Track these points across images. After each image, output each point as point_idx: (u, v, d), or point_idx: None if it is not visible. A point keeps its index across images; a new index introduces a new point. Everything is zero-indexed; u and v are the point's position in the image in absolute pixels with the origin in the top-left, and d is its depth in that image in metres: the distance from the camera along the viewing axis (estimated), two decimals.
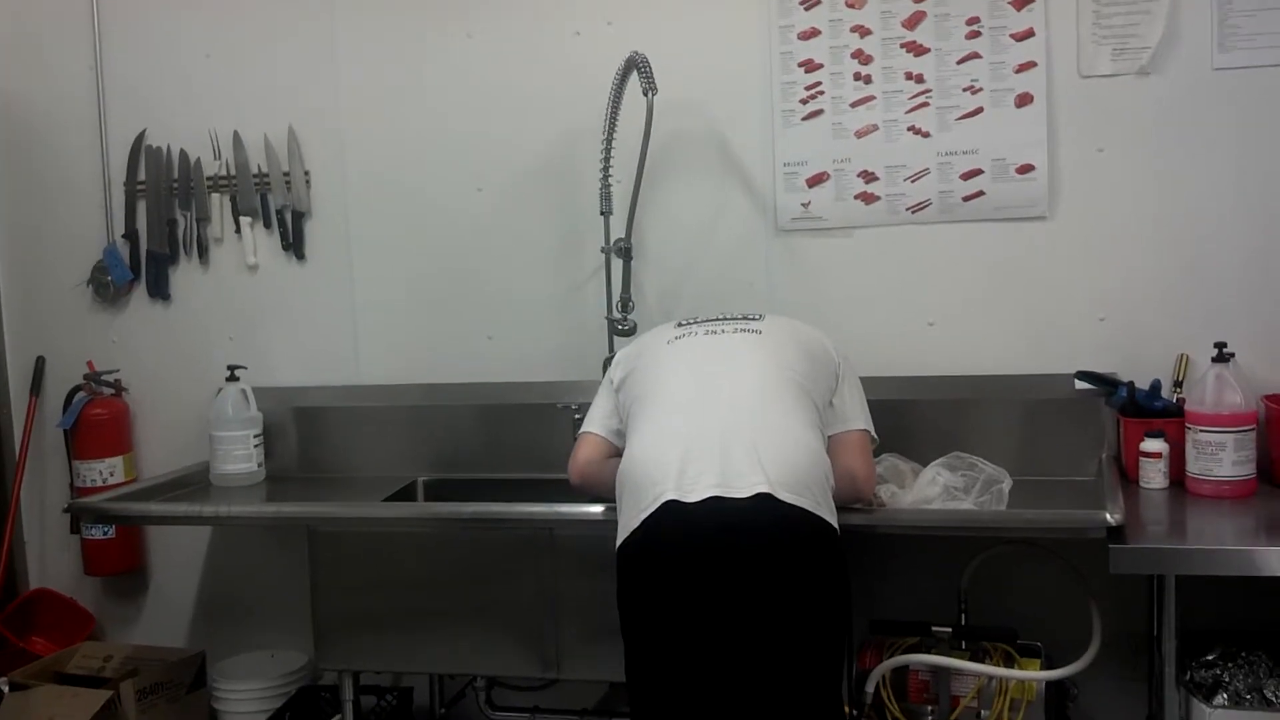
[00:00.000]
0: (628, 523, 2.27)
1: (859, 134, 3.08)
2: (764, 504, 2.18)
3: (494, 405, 3.32)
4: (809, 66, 3.10)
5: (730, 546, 2.18)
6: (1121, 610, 2.78)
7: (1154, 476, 2.71)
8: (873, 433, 2.56)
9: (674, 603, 2.21)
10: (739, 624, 2.18)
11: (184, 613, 3.65)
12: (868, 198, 3.09)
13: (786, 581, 2.19)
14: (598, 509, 2.62)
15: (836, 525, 2.28)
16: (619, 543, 2.29)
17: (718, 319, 2.63)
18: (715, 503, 2.19)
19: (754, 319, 2.61)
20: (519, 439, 3.29)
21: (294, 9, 3.42)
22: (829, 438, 2.44)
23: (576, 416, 3.13)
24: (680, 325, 2.64)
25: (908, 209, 3.07)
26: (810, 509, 2.21)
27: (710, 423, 2.32)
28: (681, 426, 2.33)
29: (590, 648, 2.72)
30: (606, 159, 3.03)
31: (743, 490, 2.19)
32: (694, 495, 2.20)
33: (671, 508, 2.20)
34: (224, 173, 3.51)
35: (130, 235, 3.60)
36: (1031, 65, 2.96)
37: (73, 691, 3.21)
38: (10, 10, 3.63)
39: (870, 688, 2.66)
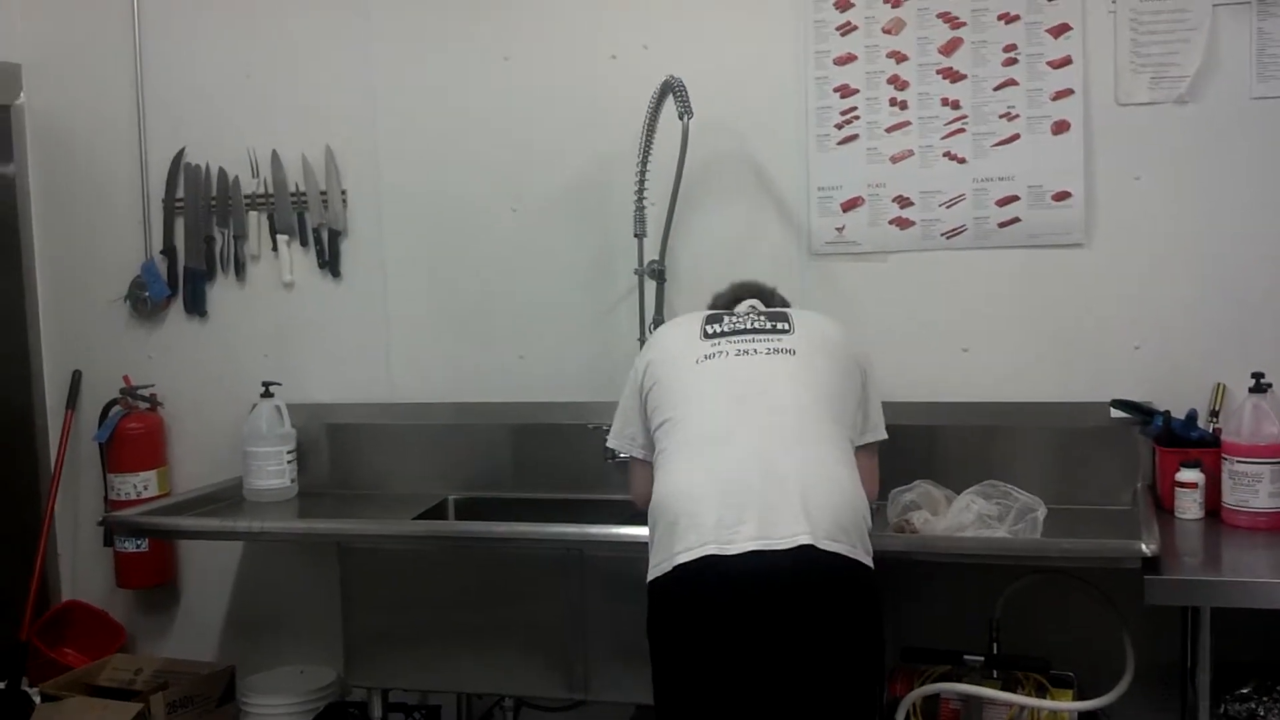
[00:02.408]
0: (660, 562, 2.22)
1: (894, 159, 3.08)
2: (805, 555, 2.13)
3: (525, 425, 3.32)
4: (845, 92, 3.10)
5: (770, 600, 2.14)
6: (1155, 642, 2.75)
7: (1189, 507, 2.69)
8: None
9: (711, 653, 2.17)
10: (775, 674, 2.15)
11: (215, 627, 3.67)
12: (902, 223, 3.09)
13: (824, 633, 2.16)
14: (627, 530, 2.62)
15: (872, 563, 2.24)
16: (650, 578, 2.25)
17: (749, 331, 2.46)
18: (755, 556, 2.14)
19: (785, 331, 2.45)
20: (550, 459, 3.29)
21: (333, 31, 3.46)
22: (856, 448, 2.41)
23: (607, 438, 3.14)
24: (709, 337, 2.46)
25: (943, 235, 3.07)
26: (848, 554, 2.18)
27: (746, 464, 2.25)
28: (715, 466, 2.26)
29: (618, 669, 2.72)
30: (641, 181, 3.05)
31: (783, 541, 2.14)
32: (732, 548, 2.15)
33: (711, 561, 2.15)
34: (262, 191, 3.55)
35: (168, 252, 3.63)
36: (1069, 93, 2.95)
37: (103, 704, 3.23)
38: (53, 30, 3.67)
39: (901, 716, 2.65)
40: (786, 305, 2.74)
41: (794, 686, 2.15)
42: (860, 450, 2.44)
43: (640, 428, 2.53)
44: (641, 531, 2.44)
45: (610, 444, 2.68)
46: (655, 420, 2.44)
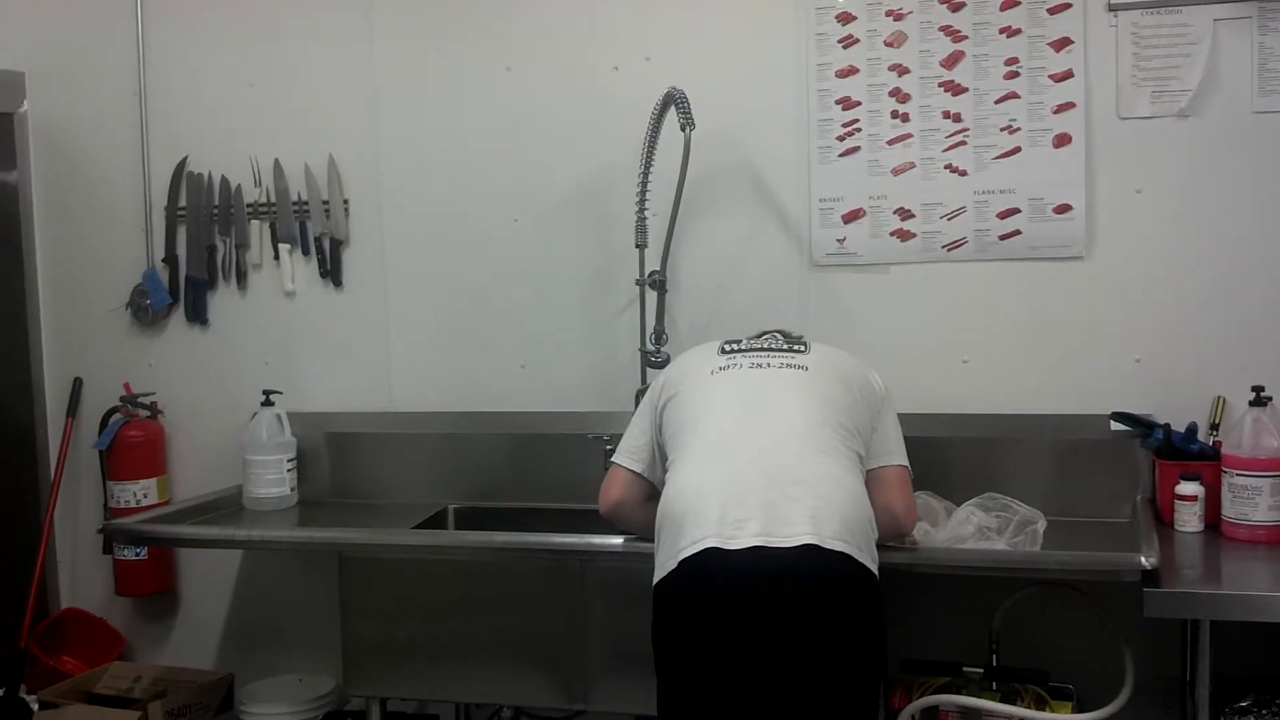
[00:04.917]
0: (665, 562, 2.24)
1: (896, 171, 3.09)
2: (808, 554, 2.14)
3: (526, 434, 3.33)
4: (846, 104, 3.11)
5: (772, 597, 2.14)
6: (1155, 654, 2.75)
7: (1189, 520, 2.69)
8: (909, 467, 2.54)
9: (712, 650, 2.17)
10: (776, 672, 2.15)
11: (213, 635, 3.67)
12: (904, 235, 3.10)
13: (826, 633, 2.16)
14: (627, 540, 2.62)
15: (877, 571, 2.26)
16: (655, 581, 2.26)
17: (764, 350, 2.55)
18: (758, 552, 2.14)
19: (799, 350, 2.54)
20: (550, 469, 3.29)
21: (336, 40, 3.47)
22: (867, 472, 2.42)
23: (608, 447, 3.14)
24: (724, 353, 2.55)
25: (944, 247, 3.07)
26: (854, 556, 2.18)
27: (753, 466, 2.27)
28: (723, 467, 2.29)
29: (619, 679, 2.72)
30: (643, 192, 3.05)
31: (787, 539, 2.15)
32: (736, 543, 2.16)
33: (713, 555, 2.16)
34: (264, 200, 3.55)
35: (170, 260, 3.64)
36: (1070, 106, 2.96)
37: (101, 712, 3.23)
38: (57, 38, 3.69)
39: None
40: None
41: (796, 686, 2.15)
42: (885, 471, 2.46)
43: (638, 439, 2.59)
44: (641, 543, 2.45)
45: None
46: (668, 430, 2.48)
